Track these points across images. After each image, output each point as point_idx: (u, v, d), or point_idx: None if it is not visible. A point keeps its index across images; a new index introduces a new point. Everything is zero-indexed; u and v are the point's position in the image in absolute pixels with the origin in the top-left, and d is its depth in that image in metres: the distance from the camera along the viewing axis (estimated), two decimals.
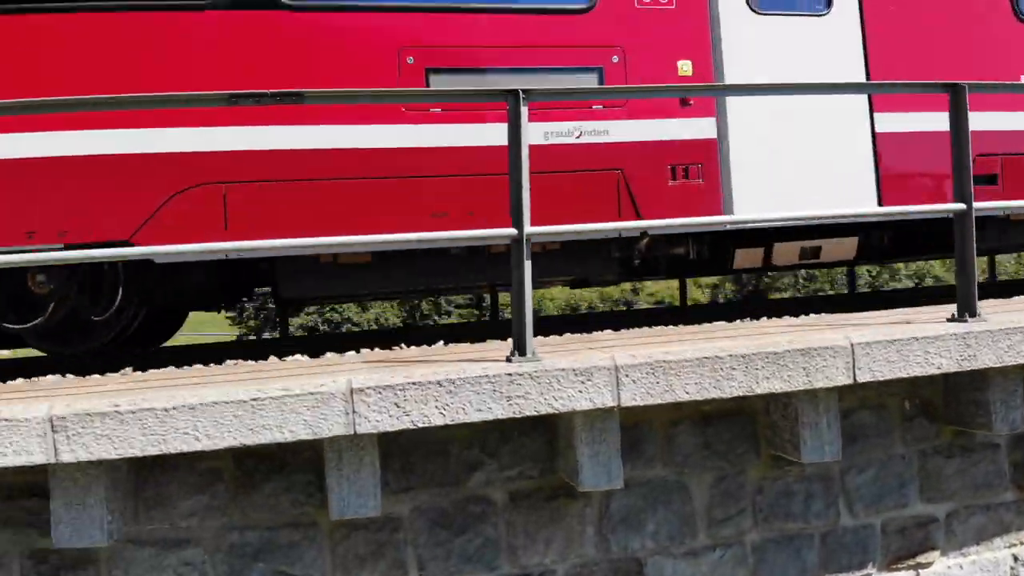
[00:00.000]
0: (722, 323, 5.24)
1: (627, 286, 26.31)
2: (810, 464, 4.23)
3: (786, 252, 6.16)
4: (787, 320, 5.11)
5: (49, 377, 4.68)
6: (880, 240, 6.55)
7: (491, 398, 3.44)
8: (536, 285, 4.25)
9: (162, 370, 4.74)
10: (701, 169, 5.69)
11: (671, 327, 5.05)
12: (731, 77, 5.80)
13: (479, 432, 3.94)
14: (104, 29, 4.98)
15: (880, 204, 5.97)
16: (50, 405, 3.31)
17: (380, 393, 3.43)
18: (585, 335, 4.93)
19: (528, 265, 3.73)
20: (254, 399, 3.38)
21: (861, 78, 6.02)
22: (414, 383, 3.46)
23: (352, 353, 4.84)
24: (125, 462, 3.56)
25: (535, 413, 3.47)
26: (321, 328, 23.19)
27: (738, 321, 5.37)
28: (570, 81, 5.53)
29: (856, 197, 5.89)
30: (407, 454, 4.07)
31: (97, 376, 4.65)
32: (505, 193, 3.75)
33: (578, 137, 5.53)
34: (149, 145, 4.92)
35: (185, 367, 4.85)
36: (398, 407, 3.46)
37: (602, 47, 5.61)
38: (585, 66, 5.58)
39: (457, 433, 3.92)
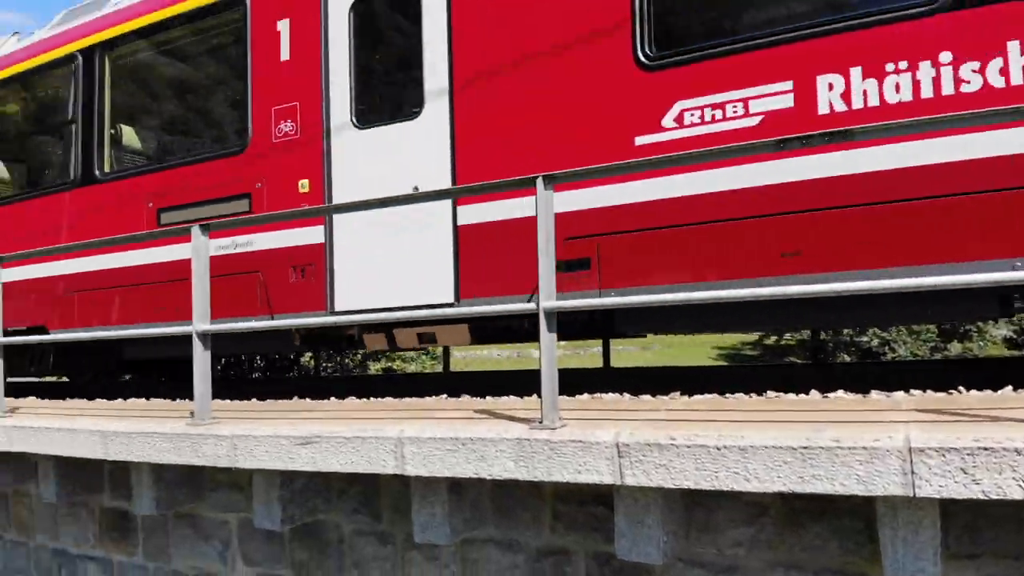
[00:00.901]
0: None
1: None
2: None
3: (406, 337, 6.66)
4: None
5: (609, 395, 5.29)
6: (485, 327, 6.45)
7: None
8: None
9: (705, 397, 5.01)
10: (314, 269, 6.53)
11: None
12: (338, 190, 6.50)
13: None
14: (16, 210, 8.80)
15: (457, 294, 5.99)
16: (617, 432, 3.73)
17: (943, 456, 3.09)
18: None
19: None
20: (804, 447, 3.34)
21: (447, 175, 6.04)
22: (986, 448, 3.04)
23: (901, 395, 4.47)
24: (679, 489, 3.84)
25: None
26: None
27: None
28: (233, 206, 6.94)
29: (438, 288, 6.06)
30: (972, 514, 3.62)
31: (648, 397, 5.12)
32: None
33: (235, 248, 6.98)
34: None
35: (728, 395, 5.03)
36: (965, 473, 3.07)
37: (251, 178, 6.92)
38: (241, 193, 6.93)
39: None
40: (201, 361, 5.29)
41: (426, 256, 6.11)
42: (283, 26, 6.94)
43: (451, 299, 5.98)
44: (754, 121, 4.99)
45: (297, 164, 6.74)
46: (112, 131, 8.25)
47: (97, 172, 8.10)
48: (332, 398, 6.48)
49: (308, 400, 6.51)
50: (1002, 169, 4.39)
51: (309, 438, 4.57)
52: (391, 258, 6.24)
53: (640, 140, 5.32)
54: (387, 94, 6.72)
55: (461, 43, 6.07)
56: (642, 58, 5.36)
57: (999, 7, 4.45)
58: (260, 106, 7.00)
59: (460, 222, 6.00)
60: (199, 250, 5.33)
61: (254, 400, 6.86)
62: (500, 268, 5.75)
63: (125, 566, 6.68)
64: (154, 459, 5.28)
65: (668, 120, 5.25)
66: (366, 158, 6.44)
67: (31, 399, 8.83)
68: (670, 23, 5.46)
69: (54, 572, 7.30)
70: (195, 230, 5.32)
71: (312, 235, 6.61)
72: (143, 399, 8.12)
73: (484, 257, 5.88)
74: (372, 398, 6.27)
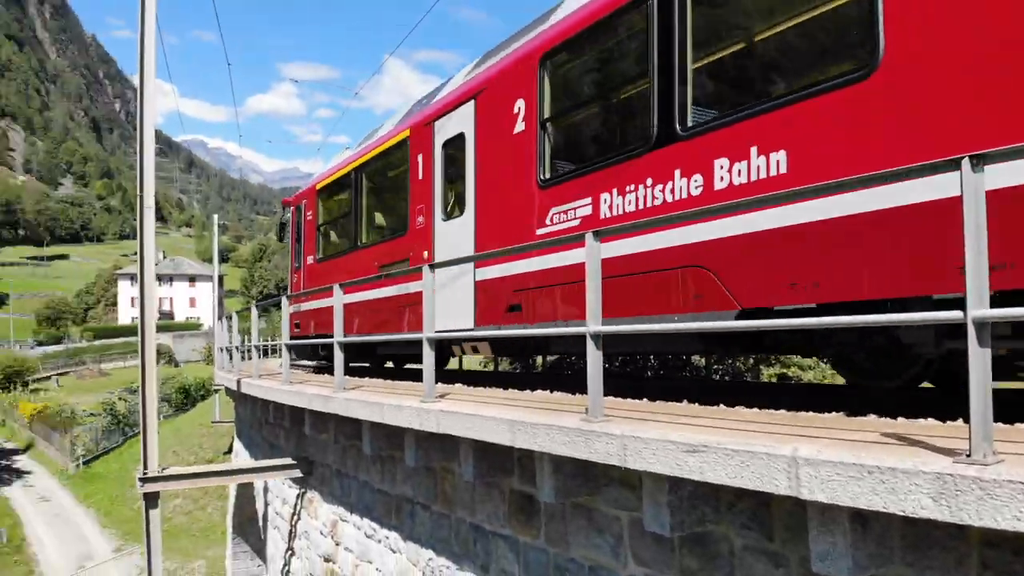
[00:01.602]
0: None
1: None
2: None
3: (466, 347, 11.61)
4: None
5: None
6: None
7: None
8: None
9: None
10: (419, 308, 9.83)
11: None
12: (437, 257, 10.69)
13: None
14: (329, 264, 15.70)
15: (475, 324, 9.68)
16: None
17: None
18: None
19: None
20: None
21: (471, 247, 9.87)
22: None
23: None
24: None
25: None
26: None
27: None
28: (400, 266, 11.73)
29: (470, 318, 9.81)
30: None
31: None
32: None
33: (397, 292, 11.93)
34: None
35: None
36: None
37: (407, 250, 11.69)
38: (403, 259, 11.74)
39: None
40: (594, 360, 5.48)
41: (466, 297, 9.85)
42: (420, 157, 11.49)
43: (471, 325, 9.74)
44: (577, 221, 7.90)
45: (424, 242, 11.15)
46: (368, 218, 13.91)
47: (358, 243, 13.93)
48: (721, 404, 6.28)
49: (696, 405, 6.40)
50: (662, 258, 6.80)
51: (696, 446, 4.44)
52: (455, 298, 10.10)
53: (538, 231, 8.47)
54: (454, 200, 10.69)
55: (479, 173, 9.89)
56: (539, 182, 8.57)
57: (671, 147, 6.80)
58: (412, 207, 11.61)
59: (477, 279, 9.69)
60: (592, 256, 5.52)
61: (645, 400, 6.95)
62: (495, 306, 9.29)
63: (529, 547, 7.24)
64: (553, 451, 5.59)
65: (548, 219, 8.33)
66: (447, 238, 10.57)
67: (458, 386, 10.06)
68: (550, 161, 8.62)
69: (470, 545, 8.21)
70: (589, 236, 5.53)
71: (421, 285, 10.86)
72: (548, 391, 8.75)
73: (488, 300, 9.47)
74: (763, 408, 5.93)
